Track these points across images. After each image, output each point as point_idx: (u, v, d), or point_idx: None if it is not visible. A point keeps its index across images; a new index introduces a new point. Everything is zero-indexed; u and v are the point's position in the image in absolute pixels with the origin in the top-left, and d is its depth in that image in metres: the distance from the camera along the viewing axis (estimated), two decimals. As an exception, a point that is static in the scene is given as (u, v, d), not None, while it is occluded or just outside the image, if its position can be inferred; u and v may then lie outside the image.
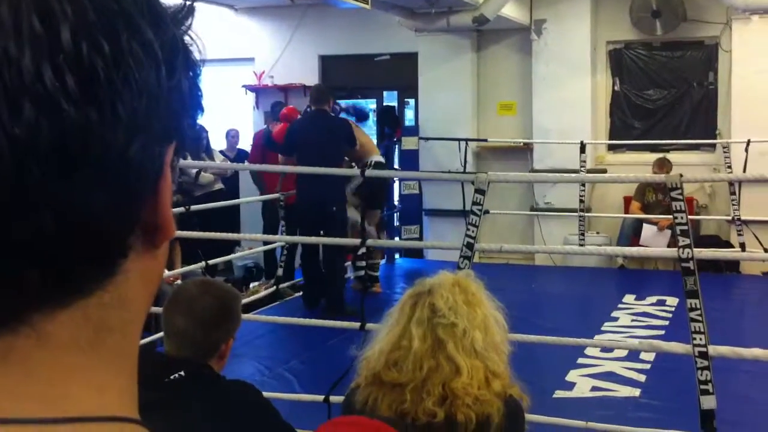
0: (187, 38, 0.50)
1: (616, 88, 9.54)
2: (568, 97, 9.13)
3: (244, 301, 6.34)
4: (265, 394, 2.23)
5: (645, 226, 8.20)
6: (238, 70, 10.33)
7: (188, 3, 0.51)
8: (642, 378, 4.98)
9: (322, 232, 6.20)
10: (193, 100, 0.50)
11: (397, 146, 9.24)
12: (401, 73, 10.02)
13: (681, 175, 3.65)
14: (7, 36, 0.41)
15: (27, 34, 0.42)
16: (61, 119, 0.42)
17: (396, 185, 9.24)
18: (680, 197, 3.66)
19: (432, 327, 1.87)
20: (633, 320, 6.34)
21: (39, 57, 0.42)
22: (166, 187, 0.49)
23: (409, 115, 10.31)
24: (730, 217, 7.90)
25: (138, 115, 0.45)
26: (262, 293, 6.99)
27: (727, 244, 8.34)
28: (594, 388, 4.85)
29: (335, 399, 4.03)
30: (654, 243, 8.04)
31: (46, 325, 0.44)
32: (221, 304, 2.17)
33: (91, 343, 0.46)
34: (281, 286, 7.02)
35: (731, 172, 7.75)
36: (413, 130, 9.45)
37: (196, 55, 0.50)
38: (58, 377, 0.45)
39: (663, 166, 8.21)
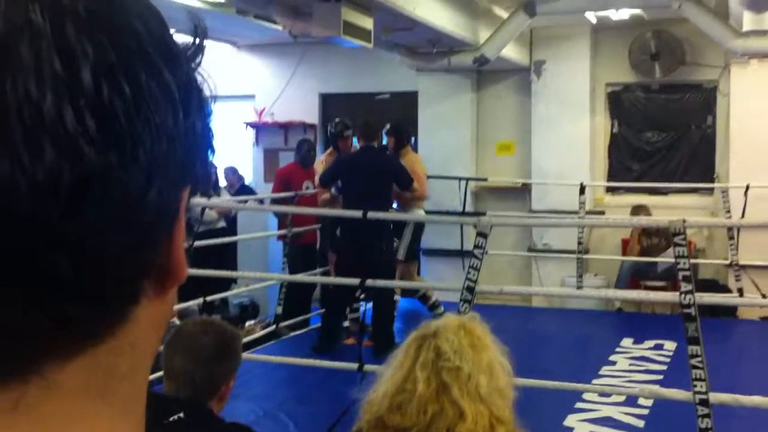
0: (198, 77, 0.49)
1: (614, 129, 9.59)
2: (567, 138, 9.18)
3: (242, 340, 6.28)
4: (262, 436, 2.19)
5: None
6: (239, 106, 10.37)
7: (198, 40, 0.50)
8: (641, 423, 4.93)
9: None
10: (206, 141, 0.49)
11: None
12: (401, 111, 10.06)
13: (684, 220, 3.64)
14: (28, 77, 0.40)
15: (48, 74, 0.41)
16: (82, 163, 0.41)
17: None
18: (683, 242, 3.65)
19: (437, 370, 1.85)
20: (631, 364, 6.30)
21: (60, 99, 0.41)
22: (179, 230, 0.48)
23: (408, 153, 10.32)
24: (728, 262, 7.89)
25: (157, 159, 0.44)
26: (259, 333, 6.93)
27: (725, 289, 8.32)
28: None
29: (331, 441, 3.98)
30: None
31: (56, 373, 0.43)
32: (222, 343, 2.15)
33: (101, 390, 0.45)
34: (280, 325, 6.97)
35: (730, 217, 7.75)
36: (412, 169, 9.45)
37: (207, 94, 0.49)
38: (68, 426, 0.44)
39: (638, 213, 8.31)
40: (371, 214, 4.84)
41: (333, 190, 6.73)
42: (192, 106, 0.47)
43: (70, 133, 0.41)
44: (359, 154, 6.89)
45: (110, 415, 0.46)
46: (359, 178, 6.49)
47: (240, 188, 9.37)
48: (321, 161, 7.55)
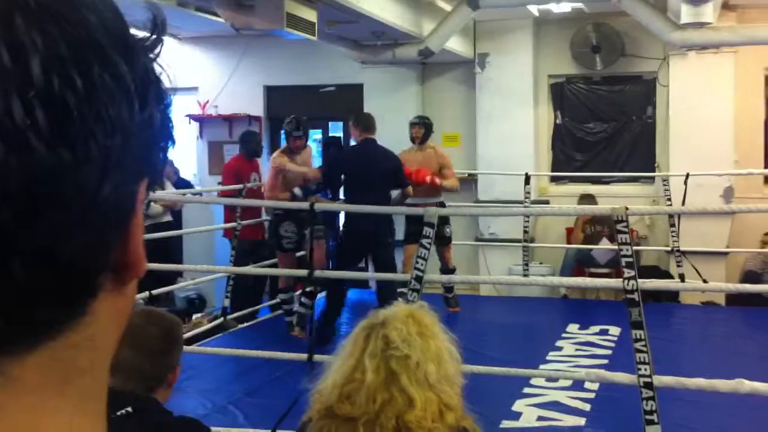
0: (156, 67, 0.48)
1: (557, 121, 9.73)
2: (512, 129, 9.27)
3: (188, 333, 6.23)
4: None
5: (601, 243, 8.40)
6: (182, 99, 10.24)
7: (157, 31, 0.49)
8: (587, 407, 5.02)
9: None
10: (164, 132, 0.48)
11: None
12: (347, 104, 10.05)
13: (627, 208, 3.71)
14: None
15: None
16: (31, 158, 0.40)
17: (342, 216, 9.22)
18: (626, 230, 3.72)
19: (385, 359, 1.85)
20: (577, 350, 6.41)
21: (7, 92, 0.39)
22: (137, 224, 0.48)
23: (354, 145, 10.33)
24: (669, 248, 8.07)
25: (111, 153, 0.43)
26: (206, 326, 6.87)
27: (667, 275, 8.51)
28: (540, 418, 4.87)
29: (282, 433, 3.97)
30: (604, 257, 8.30)
31: (14, 369, 0.42)
32: (166, 333, 2.15)
33: (61, 385, 0.44)
34: (228, 317, 6.91)
35: (671, 204, 7.92)
36: (359, 161, 9.46)
37: (166, 85, 0.49)
38: (27, 421, 0.43)
39: (585, 202, 8.52)
40: (318, 206, 4.82)
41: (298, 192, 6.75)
42: (149, 97, 0.46)
43: (19, 127, 0.39)
44: (362, 148, 6.84)
45: (70, 409, 0.45)
46: (363, 171, 6.53)
47: (178, 182, 9.24)
48: (282, 161, 7.23)
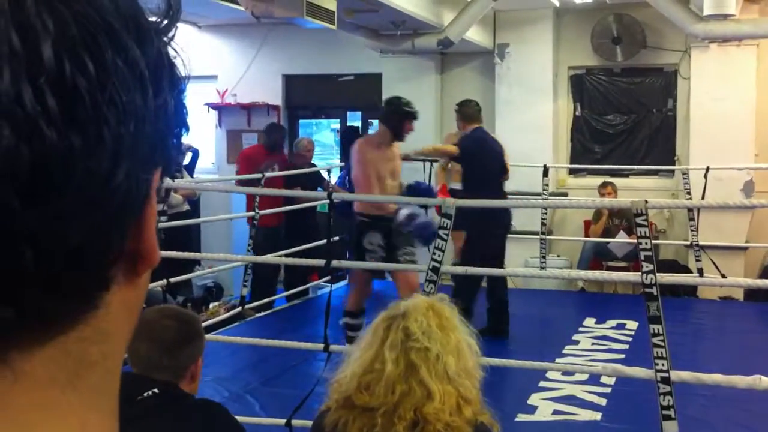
0: (171, 51, 0.47)
1: (577, 112, 9.67)
2: (530, 120, 9.22)
3: (205, 322, 6.25)
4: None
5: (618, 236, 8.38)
6: (201, 87, 10.26)
7: (171, 13, 0.47)
8: (603, 402, 5.01)
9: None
10: (179, 119, 0.47)
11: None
12: (365, 93, 10.04)
13: (646, 201, 3.68)
14: None
15: (5, 51, 0.38)
16: (43, 145, 0.39)
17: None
18: (645, 223, 3.70)
19: (405, 351, 1.86)
20: (593, 344, 6.39)
21: (18, 77, 0.38)
22: (150, 213, 0.46)
23: (372, 135, 10.32)
24: (688, 242, 8.02)
25: (124, 140, 0.42)
26: (223, 315, 6.89)
27: (685, 269, 8.46)
28: (556, 412, 4.87)
29: (297, 423, 3.99)
30: (621, 250, 8.26)
31: (24, 363, 0.41)
32: (182, 326, 2.17)
33: (71, 380, 0.43)
34: (246, 306, 6.93)
35: (690, 198, 7.86)
36: (377, 151, 9.45)
37: (181, 70, 0.47)
38: (37, 417, 0.42)
39: (605, 189, 8.48)
40: (337, 195, 4.81)
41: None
42: (163, 83, 0.45)
43: (29, 113, 0.38)
44: (486, 135, 6.68)
45: (81, 403, 0.44)
46: (492, 160, 6.47)
47: (193, 159, 9.14)
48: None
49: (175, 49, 0.47)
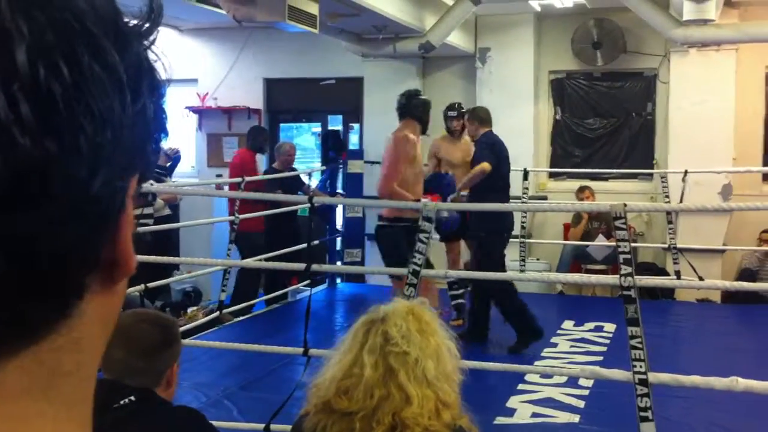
0: (151, 56, 0.46)
1: (557, 116, 9.72)
2: (511, 124, 9.24)
3: (183, 327, 6.22)
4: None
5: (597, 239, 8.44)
6: (181, 91, 10.22)
7: (153, 16, 0.47)
8: (581, 404, 5.03)
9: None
10: (158, 124, 0.47)
11: (341, 170, 9.26)
12: (346, 97, 10.05)
13: (625, 205, 3.71)
14: None
15: None
16: (16, 154, 0.38)
17: (339, 209, 9.24)
18: (623, 226, 3.72)
19: (384, 355, 1.86)
20: (572, 346, 6.41)
21: None
22: (127, 220, 0.45)
23: (353, 139, 10.33)
24: (666, 245, 8.08)
25: (101, 147, 0.41)
26: (202, 319, 6.86)
27: (663, 271, 8.52)
28: (534, 414, 4.88)
29: (276, 428, 3.97)
30: (600, 253, 8.31)
31: None
32: (158, 330, 2.14)
33: (44, 390, 0.42)
34: (225, 311, 6.90)
35: (669, 202, 7.93)
36: (358, 154, 9.47)
37: (161, 74, 0.47)
38: (9, 429, 0.41)
39: (582, 193, 8.54)
40: (318, 199, 4.81)
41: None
42: (142, 88, 0.44)
43: (2, 121, 0.37)
44: (498, 138, 6.68)
45: (54, 414, 0.43)
46: (507, 163, 6.52)
47: (174, 161, 9.08)
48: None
49: (155, 53, 0.46)
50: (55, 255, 0.40)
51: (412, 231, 5.30)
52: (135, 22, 0.46)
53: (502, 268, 6.15)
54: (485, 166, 6.37)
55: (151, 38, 0.46)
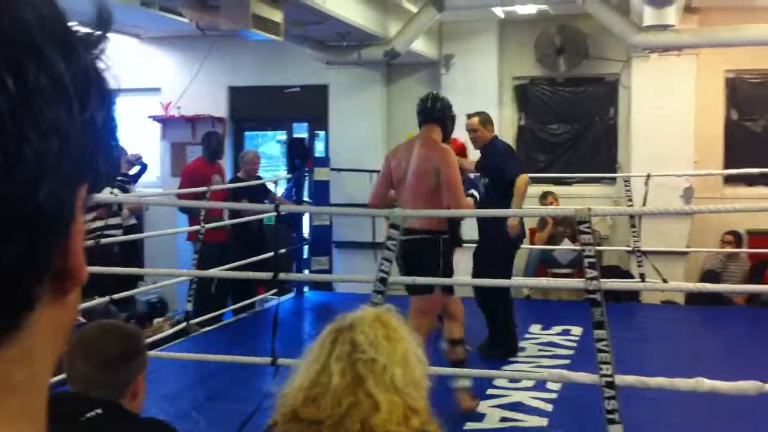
0: (100, 65, 0.46)
1: (521, 122, 9.79)
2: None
3: (149, 338, 6.16)
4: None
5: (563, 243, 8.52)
6: (144, 100, 10.14)
7: (101, 27, 0.47)
8: (549, 408, 5.06)
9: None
10: (108, 133, 0.46)
11: (307, 177, 9.24)
12: (311, 104, 10.04)
13: (590, 209, 3.74)
14: None
15: None
16: None
17: (306, 217, 9.21)
18: (588, 230, 3.76)
19: (352, 362, 1.85)
20: (540, 350, 6.45)
21: None
22: (77, 230, 0.45)
23: (319, 146, 10.31)
24: (630, 248, 8.16)
25: (47, 157, 0.40)
26: (168, 330, 6.79)
27: (627, 274, 8.61)
28: (503, 419, 4.90)
29: (245, 437, 3.95)
30: (566, 257, 8.40)
31: None
32: (122, 341, 2.13)
33: None
34: (191, 321, 6.84)
35: (632, 205, 8.01)
36: (324, 161, 9.46)
37: (110, 83, 0.46)
38: None
39: (546, 198, 8.63)
40: (284, 208, 4.78)
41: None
42: (90, 98, 0.44)
43: None
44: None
45: (6, 429, 0.43)
46: None
47: (141, 170, 8.94)
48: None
49: (105, 63, 0.46)
50: (4, 264, 0.40)
51: (449, 243, 5.17)
52: (84, 31, 0.45)
53: (508, 276, 6.12)
54: (526, 179, 6.26)
55: (101, 47, 0.46)
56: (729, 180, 9.11)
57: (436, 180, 4.87)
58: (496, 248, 6.24)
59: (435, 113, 5.25)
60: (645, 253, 7.91)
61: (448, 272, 5.06)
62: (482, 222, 6.36)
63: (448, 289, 5.08)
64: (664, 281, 7.26)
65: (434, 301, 5.00)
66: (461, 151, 6.58)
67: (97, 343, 2.08)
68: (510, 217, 5.96)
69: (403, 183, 5.04)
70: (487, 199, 6.14)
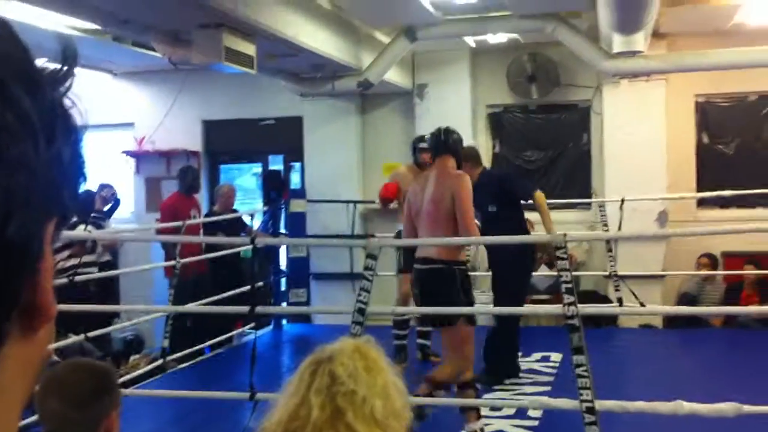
0: (66, 101, 0.46)
1: (496, 149, 9.85)
2: (451, 159, 9.34)
3: (125, 376, 6.08)
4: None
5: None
6: (118, 135, 10.10)
7: (67, 64, 0.47)
8: (532, 435, 5.03)
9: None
10: (75, 169, 0.46)
11: (284, 209, 9.22)
12: (286, 136, 10.05)
13: (565, 234, 3.76)
14: None
15: None
16: None
17: (283, 249, 9.17)
18: (565, 256, 3.77)
19: (331, 395, 1.83)
20: (520, 377, 6.43)
21: None
22: (45, 266, 0.45)
23: (295, 178, 10.31)
24: (607, 273, 8.20)
25: (15, 193, 0.40)
26: (145, 367, 6.70)
27: (605, 299, 8.63)
28: (485, 448, 4.86)
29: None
30: (543, 283, 8.42)
31: None
32: (93, 379, 2.11)
33: None
34: (168, 358, 6.75)
35: (608, 230, 8.06)
36: (300, 193, 9.45)
37: (77, 119, 0.46)
38: None
39: None
40: (260, 240, 4.75)
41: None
42: (57, 133, 0.44)
43: None
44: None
45: None
46: None
47: (114, 205, 8.78)
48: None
49: (71, 99, 0.46)
50: None
51: (466, 273, 5.09)
52: (50, 67, 0.45)
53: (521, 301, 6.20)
54: (542, 194, 6.38)
55: (67, 84, 0.46)
56: (702, 203, 9.20)
57: (451, 205, 4.88)
58: (516, 273, 6.30)
59: (449, 145, 5.33)
60: (622, 277, 7.95)
61: (470, 303, 5.05)
62: (496, 249, 6.39)
63: (470, 321, 4.99)
64: (642, 305, 7.29)
65: (464, 330, 4.92)
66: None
67: (69, 381, 2.05)
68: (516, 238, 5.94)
69: (419, 213, 5.05)
70: (497, 225, 6.11)
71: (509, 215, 6.25)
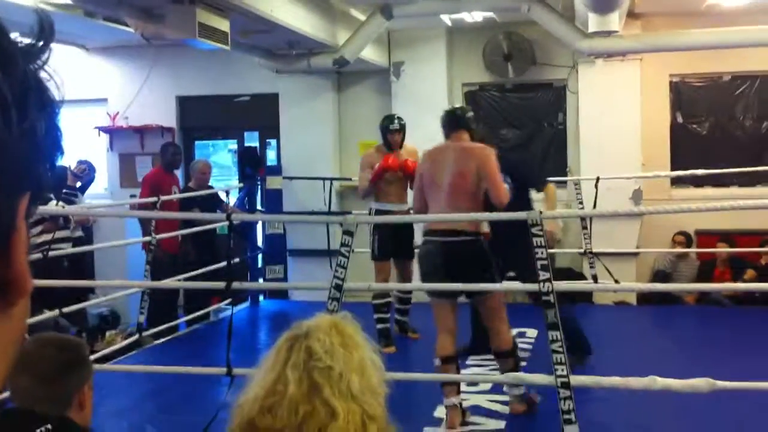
0: (43, 74, 0.45)
1: (472, 127, 9.85)
2: (426, 136, 9.24)
3: (101, 351, 6.06)
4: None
5: None
6: (91, 111, 9.98)
7: (44, 35, 0.46)
8: (506, 410, 5.09)
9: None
10: (51, 142, 0.45)
11: (260, 186, 9.19)
12: (262, 113, 10.00)
13: (540, 212, 3.78)
14: None
15: None
16: None
17: (259, 225, 9.15)
18: (540, 233, 3.79)
19: (308, 371, 1.83)
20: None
21: None
22: (19, 240, 0.44)
23: (271, 155, 10.26)
24: (582, 250, 8.27)
25: None
26: (121, 343, 6.68)
27: (580, 276, 8.70)
28: (462, 422, 4.91)
29: (202, 450, 3.90)
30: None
31: None
32: (62, 354, 2.10)
33: None
34: (144, 333, 6.74)
35: (583, 208, 8.12)
36: (276, 170, 9.42)
37: (54, 93, 0.45)
38: None
39: None
40: (236, 216, 4.73)
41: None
42: (29, 107, 0.43)
43: None
44: None
45: None
46: None
47: (88, 182, 8.68)
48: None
49: (47, 72, 0.45)
50: None
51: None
52: (24, 41, 0.44)
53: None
54: (554, 190, 6.19)
55: (43, 57, 0.45)
56: (676, 182, 9.28)
57: (476, 178, 4.86)
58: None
59: (466, 119, 5.34)
60: (597, 254, 8.02)
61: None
62: (512, 228, 6.26)
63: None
64: (616, 282, 7.36)
65: (499, 295, 4.98)
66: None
67: (38, 356, 2.04)
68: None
69: (435, 185, 4.97)
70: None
71: (515, 201, 6.16)
